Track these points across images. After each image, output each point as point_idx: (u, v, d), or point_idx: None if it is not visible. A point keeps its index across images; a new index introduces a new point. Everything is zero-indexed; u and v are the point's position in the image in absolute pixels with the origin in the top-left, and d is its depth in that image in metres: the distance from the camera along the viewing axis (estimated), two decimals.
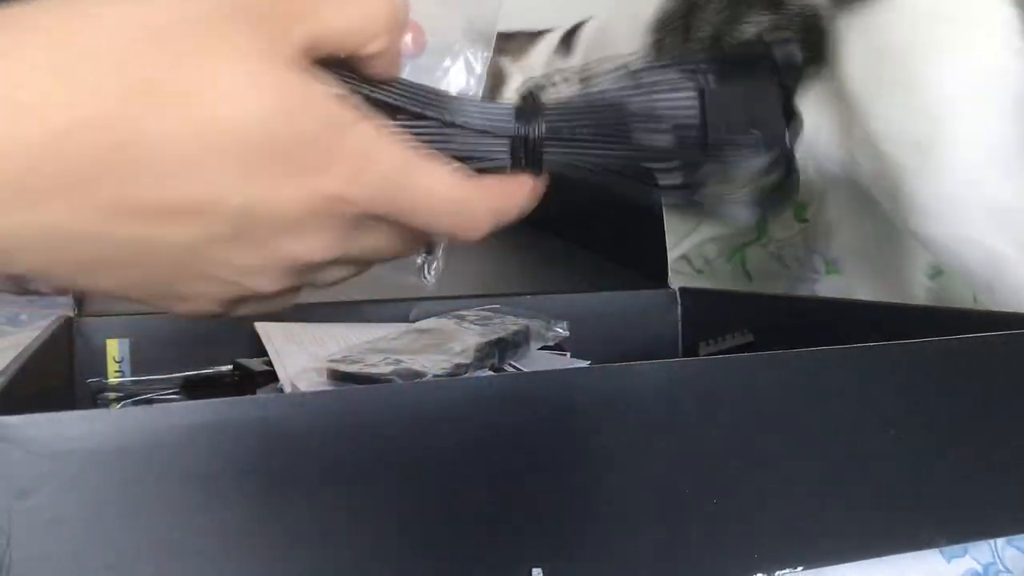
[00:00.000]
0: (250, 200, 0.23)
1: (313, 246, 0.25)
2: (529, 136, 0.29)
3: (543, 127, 0.29)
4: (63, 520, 0.23)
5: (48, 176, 0.21)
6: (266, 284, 0.26)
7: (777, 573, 0.30)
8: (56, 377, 0.44)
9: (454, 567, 0.26)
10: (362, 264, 0.29)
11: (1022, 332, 0.33)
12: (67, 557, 0.23)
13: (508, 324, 0.46)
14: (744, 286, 0.81)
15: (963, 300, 0.64)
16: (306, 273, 0.27)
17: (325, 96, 0.24)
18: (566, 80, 0.31)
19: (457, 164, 0.27)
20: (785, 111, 0.29)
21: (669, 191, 0.30)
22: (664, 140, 0.29)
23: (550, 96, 0.30)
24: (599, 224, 0.69)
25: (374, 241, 0.27)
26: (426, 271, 0.34)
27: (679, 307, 0.60)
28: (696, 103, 0.29)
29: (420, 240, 0.29)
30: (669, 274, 0.62)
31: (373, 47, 0.26)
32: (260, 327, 0.47)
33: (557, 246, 0.71)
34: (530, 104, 0.29)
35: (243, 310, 0.28)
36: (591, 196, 0.66)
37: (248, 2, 0.23)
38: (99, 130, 0.21)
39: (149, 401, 0.45)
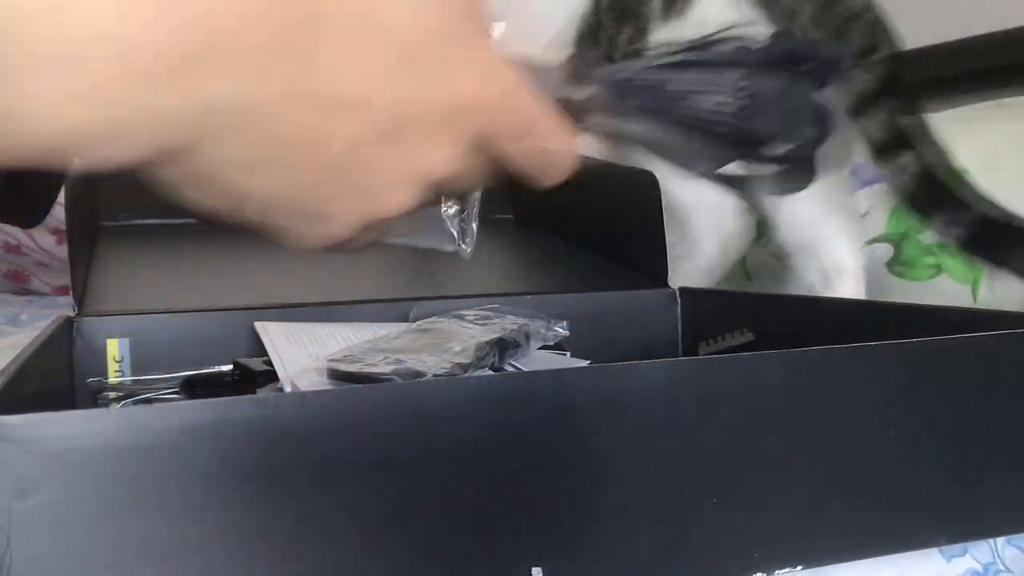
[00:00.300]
0: (401, 97, 0.24)
1: (444, 157, 0.26)
2: (572, 99, 0.30)
3: (589, 92, 0.30)
4: (63, 520, 0.23)
5: (246, 42, 0.21)
6: (397, 200, 0.26)
7: (776, 572, 0.30)
8: (56, 377, 0.44)
9: (454, 566, 0.26)
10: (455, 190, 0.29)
11: (1020, 331, 0.33)
12: (67, 557, 0.23)
13: (508, 323, 0.46)
14: (744, 286, 0.81)
15: (962, 299, 0.64)
16: (425, 191, 0.27)
17: None
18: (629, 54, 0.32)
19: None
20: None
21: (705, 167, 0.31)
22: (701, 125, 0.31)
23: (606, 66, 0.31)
24: (599, 224, 0.69)
25: (479, 170, 0.28)
26: (460, 240, 0.34)
27: (679, 307, 0.60)
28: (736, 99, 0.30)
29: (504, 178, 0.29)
30: (669, 274, 0.62)
31: None
32: (260, 327, 0.47)
33: (557, 246, 0.71)
34: (580, 69, 0.30)
35: (363, 239, 0.28)
36: (591, 196, 0.66)
37: None
38: (293, 3, 0.21)
39: (149, 401, 0.45)
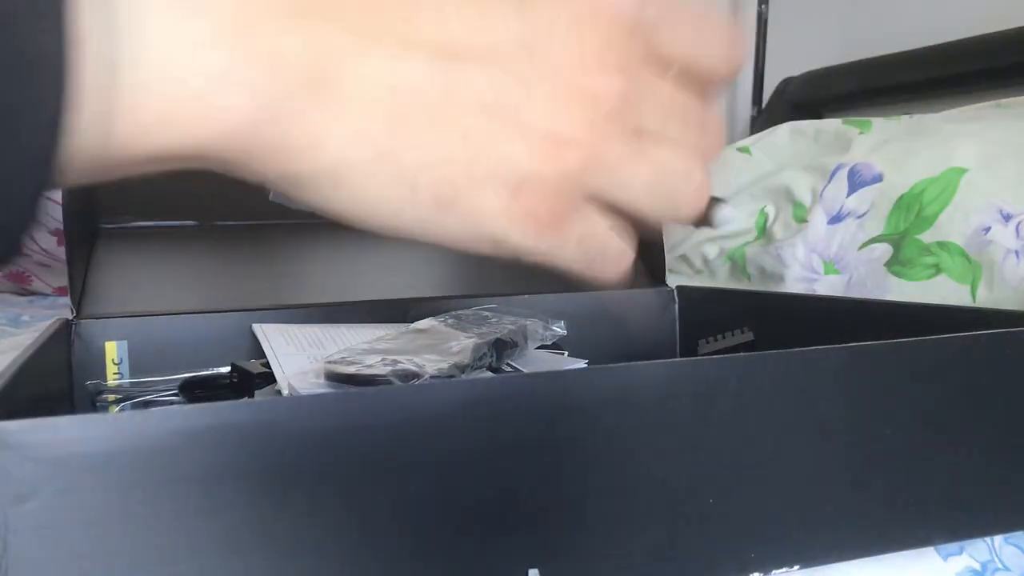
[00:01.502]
0: (528, 29, 0.22)
1: (606, 80, 0.23)
2: None
3: None
4: (61, 525, 0.23)
5: None
6: (579, 128, 0.24)
7: (773, 572, 0.30)
8: (55, 380, 0.44)
9: (451, 568, 0.26)
10: (677, 133, 0.26)
11: (1018, 330, 0.33)
12: (65, 562, 0.23)
13: (505, 324, 0.46)
14: (743, 286, 0.81)
15: (961, 299, 0.64)
16: (620, 118, 0.24)
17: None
18: None
19: None
20: None
21: None
22: None
23: None
24: None
25: (670, 91, 0.25)
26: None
27: (677, 306, 0.60)
28: None
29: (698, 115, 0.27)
30: (667, 273, 0.62)
31: None
32: (257, 328, 0.47)
33: None
34: None
35: (589, 181, 0.25)
36: None
37: None
38: None
39: (148, 403, 0.46)
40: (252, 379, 0.44)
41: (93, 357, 0.48)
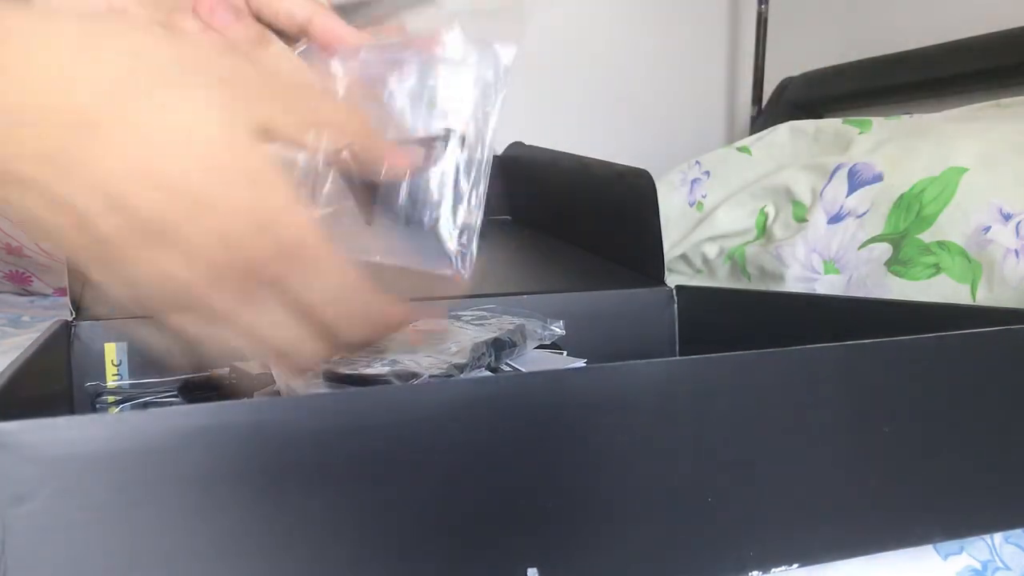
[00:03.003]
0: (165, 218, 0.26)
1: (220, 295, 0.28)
2: None
3: None
4: (59, 526, 0.23)
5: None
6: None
7: (773, 570, 0.30)
8: (54, 381, 0.44)
9: (450, 567, 0.26)
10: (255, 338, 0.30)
11: (1016, 328, 0.33)
12: (64, 563, 0.23)
13: (504, 323, 0.46)
14: (743, 286, 0.81)
15: (960, 299, 0.64)
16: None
17: (254, 157, 0.26)
18: None
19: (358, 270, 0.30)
20: None
21: None
22: None
23: None
24: (595, 223, 0.69)
25: (271, 312, 0.29)
26: (460, 262, 0.34)
27: (676, 306, 0.60)
28: None
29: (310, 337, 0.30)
30: (667, 273, 0.62)
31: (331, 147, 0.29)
32: None
33: (554, 245, 0.71)
34: None
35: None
36: (587, 195, 0.66)
37: (235, 77, 0.27)
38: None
39: (147, 404, 0.46)
40: (251, 380, 0.44)
41: (93, 358, 0.48)
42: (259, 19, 0.36)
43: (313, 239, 0.28)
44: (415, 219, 0.33)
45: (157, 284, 0.27)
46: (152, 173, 0.25)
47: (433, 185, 0.33)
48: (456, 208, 0.34)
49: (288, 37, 0.38)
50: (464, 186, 0.34)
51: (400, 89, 0.34)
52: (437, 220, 0.34)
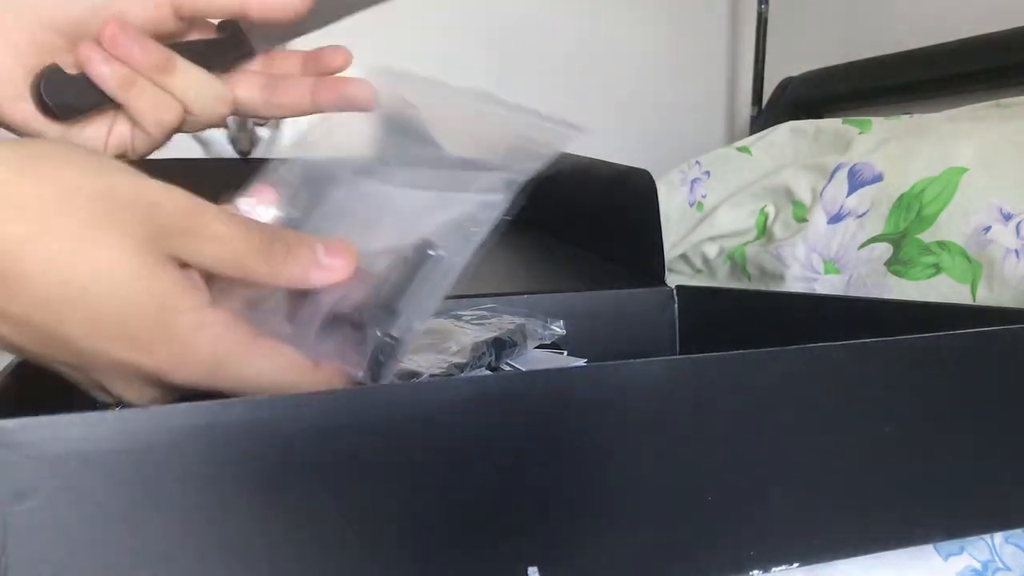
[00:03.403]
0: (90, 351, 0.28)
1: (141, 396, 0.31)
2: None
3: None
4: (60, 523, 0.23)
5: None
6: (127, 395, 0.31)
7: (773, 570, 0.30)
8: (54, 379, 0.44)
9: (450, 567, 0.26)
10: None
11: (1016, 327, 0.33)
12: (64, 560, 0.23)
13: (505, 323, 0.46)
14: (743, 286, 0.81)
15: (961, 299, 0.64)
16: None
17: (169, 284, 0.28)
18: None
19: (289, 350, 0.30)
20: None
21: None
22: None
23: None
24: (596, 223, 0.69)
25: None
26: (371, 374, 0.32)
27: (676, 306, 0.60)
28: None
29: None
30: (667, 273, 0.62)
31: (253, 267, 0.30)
32: None
33: (554, 245, 0.71)
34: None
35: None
36: (587, 195, 0.66)
37: (147, 215, 0.28)
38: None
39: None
40: None
41: None
42: (187, 15, 0.37)
43: (227, 360, 0.29)
44: (348, 319, 0.32)
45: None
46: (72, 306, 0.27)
47: (382, 292, 0.32)
48: (395, 320, 0.31)
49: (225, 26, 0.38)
50: (418, 302, 0.32)
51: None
52: (369, 323, 0.31)
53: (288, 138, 0.96)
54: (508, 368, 0.44)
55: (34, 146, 0.30)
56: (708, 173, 0.90)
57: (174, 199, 0.28)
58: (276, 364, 0.30)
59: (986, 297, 0.62)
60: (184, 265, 0.29)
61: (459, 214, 0.33)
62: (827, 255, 0.73)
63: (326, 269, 0.31)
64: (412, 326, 0.31)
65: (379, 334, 0.31)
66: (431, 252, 0.32)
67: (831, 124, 0.85)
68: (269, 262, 0.30)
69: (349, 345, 0.31)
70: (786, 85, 1.33)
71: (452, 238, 0.32)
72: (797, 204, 0.78)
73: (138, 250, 0.27)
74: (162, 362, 0.28)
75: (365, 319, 0.31)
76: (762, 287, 0.78)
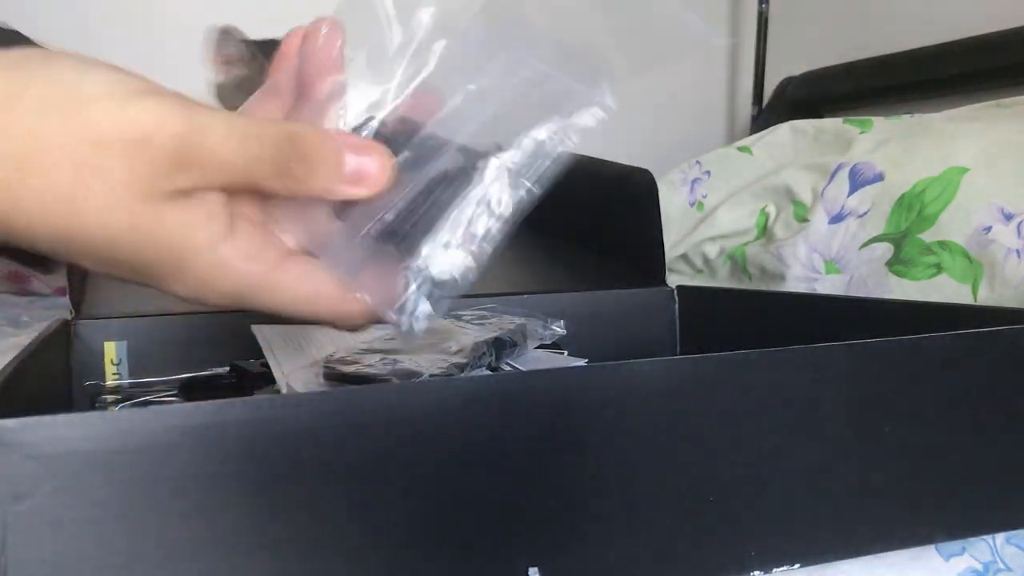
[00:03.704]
0: (118, 275, 0.27)
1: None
2: None
3: None
4: (59, 523, 0.23)
5: None
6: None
7: (775, 570, 0.30)
8: (53, 380, 0.44)
9: (451, 566, 0.26)
10: None
11: (1016, 327, 0.33)
12: (64, 560, 0.23)
13: (505, 323, 0.46)
14: (744, 286, 0.81)
15: (962, 299, 0.64)
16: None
17: (172, 227, 0.26)
18: None
19: (319, 276, 0.27)
20: None
21: None
22: None
23: None
24: (597, 223, 0.69)
25: None
26: (408, 320, 0.27)
27: (676, 306, 0.60)
28: None
29: None
30: (667, 273, 0.62)
31: (268, 186, 0.27)
32: (256, 329, 0.47)
33: (555, 245, 0.71)
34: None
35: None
36: (588, 195, 0.66)
37: (135, 157, 0.25)
38: None
39: (146, 404, 0.45)
40: (252, 379, 0.44)
41: (92, 357, 0.48)
42: None
43: (251, 290, 0.27)
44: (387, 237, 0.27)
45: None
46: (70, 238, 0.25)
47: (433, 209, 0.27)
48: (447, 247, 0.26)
49: None
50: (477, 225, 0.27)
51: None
52: (412, 248, 0.27)
53: None
54: (508, 368, 0.44)
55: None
56: (708, 173, 0.89)
57: (164, 127, 0.25)
58: (301, 293, 0.28)
59: (987, 297, 0.62)
60: (195, 191, 0.26)
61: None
62: (828, 255, 0.73)
63: (353, 180, 0.27)
64: (456, 266, 0.26)
65: (413, 269, 0.26)
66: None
67: (832, 124, 0.85)
68: (283, 176, 0.26)
69: (390, 271, 0.27)
70: (786, 85, 1.33)
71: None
72: (798, 204, 0.78)
73: (130, 200, 0.25)
74: (189, 290, 0.27)
75: (401, 245, 0.26)
76: (763, 287, 0.78)
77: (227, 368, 0.47)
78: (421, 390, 0.27)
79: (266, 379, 0.43)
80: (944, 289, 0.64)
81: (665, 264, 0.61)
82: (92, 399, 0.46)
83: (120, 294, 0.54)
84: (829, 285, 0.72)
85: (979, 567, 0.33)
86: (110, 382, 0.48)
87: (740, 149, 0.90)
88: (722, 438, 0.29)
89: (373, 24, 0.30)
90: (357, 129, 0.29)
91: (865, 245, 0.70)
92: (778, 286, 0.76)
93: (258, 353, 0.45)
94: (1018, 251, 0.60)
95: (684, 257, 0.86)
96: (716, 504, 0.29)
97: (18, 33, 0.67)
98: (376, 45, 0.30)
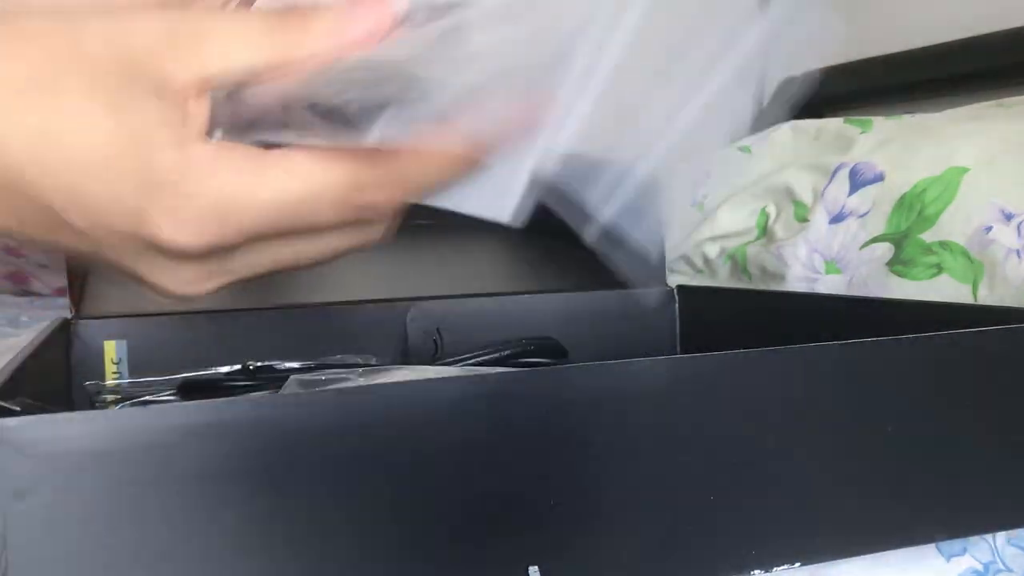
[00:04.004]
0: (89, 226, 0.25)
1: (175, 279, 0.27)
2: None
3: None
4: (60, 522, 0.23)
5: None
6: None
7: (775, 569, 0.30)
8: (53, 379, 0.44)
9: (450, 566, 0.26)
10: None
11: (1017, 328, 0.33)
12: (64, 559, 0.23)
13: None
14: (744, 286, 0.81)
15: (962, 299, 0.64)
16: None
17: (143, 120, 0.24)
18: None
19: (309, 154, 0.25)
20: None
21: None
22: None
23: None
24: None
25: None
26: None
27: (677, 306, 0.60)
28: None
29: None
30: (668, 273, 0.62)
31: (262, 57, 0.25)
32: None
33: (555, 244, 0.71)
34: None
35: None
36: None
37: (131, 54, 0.24)
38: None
39: (146, 403, 0.45)
40: (258, 380, 0.44)
41: (92, 356, 0.48)
42: None
43: (235, 194, 0.25)
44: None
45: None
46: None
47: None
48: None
49: None
50: None
51: None
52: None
53: None
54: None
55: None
56: (708, 173, 0.89)
57: (149, 24, 0.24)
58: (305, 168, 0.25)
59: (987, 297, 0.62)
60: (171, 94, 0.24)
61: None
62: (828, 255, 0.73)
63: (362, 18, 0.24)
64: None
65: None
66: None
67: (832, 124, 0.85)
68: (286, 33, 0.24)
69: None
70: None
71: None
72: (798, 204, 0.78)
73: (107, 92, 0.24)
74: (162, 222, 0.25)
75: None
76: (763, 287, 0.78)
77: (227, 368, 0.47)
78: (421, 390, 0.27)
79: (273, 380, 0.43)
80: (945, 289, 0.64)
81: (666, 264, 0.61)
82: (92, 398, 0.46)
83: (120, 294, 0.54)
84: (829, 285, 0.72)
85: (980, 567, 0.33)
86: (110, 381, 0.48)
87: (740, 149, 0.90)
88: (722, 437, 0.29)
89: None
90: None
91: (866, 245, 0.70)
92: (778, 286, 0.76)
93: (257, 354, 0.45)
94: (1018, 251, 0.60)
95: (684, 257, 0.86)
96: (716, 503, 0.29)
97: None
98: None
